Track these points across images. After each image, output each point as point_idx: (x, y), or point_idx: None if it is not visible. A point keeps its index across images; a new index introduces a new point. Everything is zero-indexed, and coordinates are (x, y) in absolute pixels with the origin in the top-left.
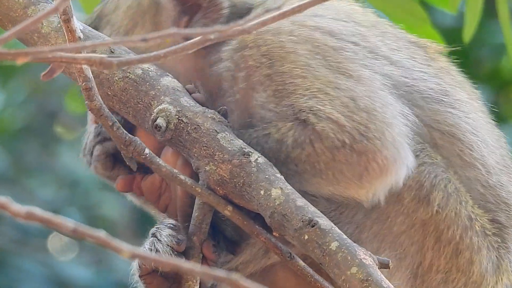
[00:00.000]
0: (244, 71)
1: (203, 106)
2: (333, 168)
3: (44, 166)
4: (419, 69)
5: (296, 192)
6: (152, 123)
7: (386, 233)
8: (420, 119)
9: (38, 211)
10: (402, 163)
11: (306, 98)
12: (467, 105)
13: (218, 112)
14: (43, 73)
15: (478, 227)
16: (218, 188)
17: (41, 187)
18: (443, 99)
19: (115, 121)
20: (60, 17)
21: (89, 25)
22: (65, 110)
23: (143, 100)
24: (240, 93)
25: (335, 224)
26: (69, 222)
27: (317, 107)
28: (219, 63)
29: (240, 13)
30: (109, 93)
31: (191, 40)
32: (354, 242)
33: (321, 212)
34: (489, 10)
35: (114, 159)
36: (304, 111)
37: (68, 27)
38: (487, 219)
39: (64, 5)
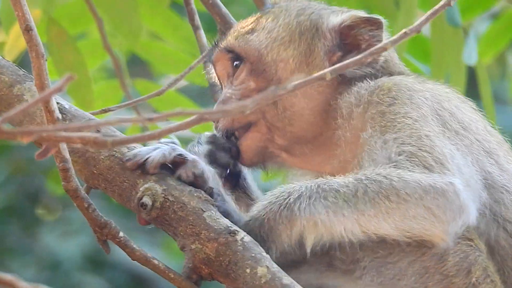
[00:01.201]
0: (362, 106)
1: (190, 184)
2: (416, 205)
3: (25, 247)
4: None
5: (282, 271)
6: (137, 201)
7: (421, 287)
8: (498, 214)
9: (25, 285)
10: (472, 209)
11: (409, 139)
12: None
13: (205, 191)
14: (37, 152)
15: None
16: (204, 267)
17: (23, 268)
18: None
19: (91, 203)
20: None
21: (244, 25)
22: (46, 191)
23: (129, 179)
24: (350, 131)
25: (379, 266)
26: None
27: (413, 152)
28: (345, 96)
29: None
30: (95, 171)
31: (192, 117)
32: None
33: (368, 253)
34: (472, 91)
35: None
36: (397, 154)
37: (47, 108)
38: None
39: (48, 94)
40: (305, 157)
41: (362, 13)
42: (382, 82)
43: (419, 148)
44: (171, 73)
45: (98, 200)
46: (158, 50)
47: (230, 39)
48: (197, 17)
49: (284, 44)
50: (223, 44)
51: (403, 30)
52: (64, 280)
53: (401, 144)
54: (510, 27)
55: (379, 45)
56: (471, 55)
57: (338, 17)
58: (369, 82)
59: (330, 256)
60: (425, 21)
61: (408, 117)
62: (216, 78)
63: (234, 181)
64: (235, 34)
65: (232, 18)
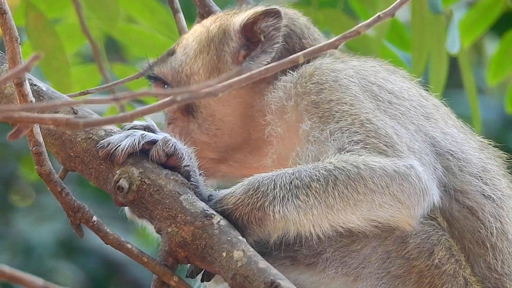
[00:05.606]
0: (293, 99)
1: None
2: (383, 194)
3: None
4: (469, 144)
5: (258, 254)
6: (114, 184)
7: (384, 273)
8: (448, 184)
9: (7, 268)
10: (434, 189)
11: (354, 127)
12: (503, 192)
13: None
14: (9, 133)
15: None
16: (180, 250)
17: None
18: (481, 175)
19: (64, 187)
20: (13, 81)
21: (166, 53)
22: (19, 177)
23: (105, 161)
24: (283, 125)
25: (343, 256)
26: (38, 280)
27: (364, 141)
28: (271, 93)
29: (292, 50)
30: (72, 154)
31: (165, 99)
32: (355, 278)
33: (331, 243)
34: (455, 80)
35: None
36: (351, 144)
37: (21, 91)
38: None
39: (14, 74)
40: (242, 163)
41: (260, 7)
42: (303, 70)
43: (366, 135)
44: (148, 57)
45: (73, 186)
46: (135, 34)
47: (155, 66)
48: (176, 0)
49: (196, 56)
50: (150, 72)
51: (377, 14)
52: (38, 265)
53: (348, 134)
54: (487, 14)
55: (353, 28)
56: (454, 43)
57: (239, 17)
58: (292, 74)
59: (294, 250)
60: (399, 5)
61: (343, 103)
62: None
63: None
64: (160, 59)
65: (212, 1)
